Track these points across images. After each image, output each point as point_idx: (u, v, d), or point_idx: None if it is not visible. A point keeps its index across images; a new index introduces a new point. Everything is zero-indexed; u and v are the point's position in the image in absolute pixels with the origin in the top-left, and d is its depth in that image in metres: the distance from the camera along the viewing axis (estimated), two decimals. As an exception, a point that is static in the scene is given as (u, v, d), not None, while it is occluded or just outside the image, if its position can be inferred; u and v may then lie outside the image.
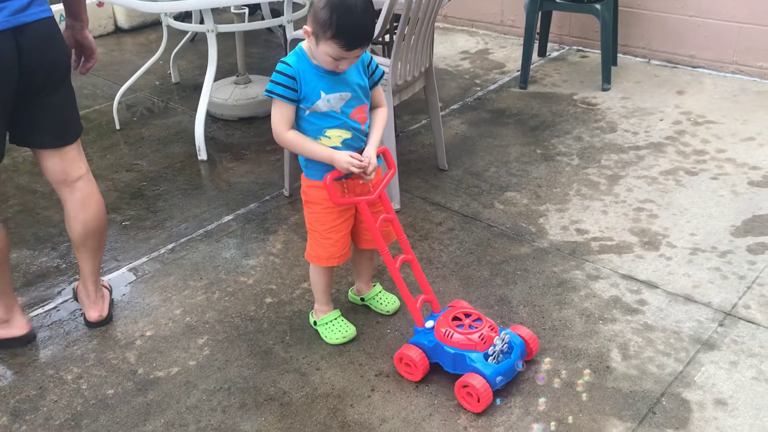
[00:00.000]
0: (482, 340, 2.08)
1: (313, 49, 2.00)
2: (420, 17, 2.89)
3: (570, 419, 2.03)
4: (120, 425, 2.10)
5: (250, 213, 3.15)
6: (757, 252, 2.68)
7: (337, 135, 2.09)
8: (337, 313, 2.42)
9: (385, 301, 2.49)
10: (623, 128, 3.71)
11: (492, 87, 4.34)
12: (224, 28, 3.68)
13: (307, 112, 2.06)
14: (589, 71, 4.45)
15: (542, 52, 4.76)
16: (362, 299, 2.52)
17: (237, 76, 4.14)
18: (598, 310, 2.45)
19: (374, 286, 2.52)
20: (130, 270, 2.80)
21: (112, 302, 2.57)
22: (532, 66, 4.52)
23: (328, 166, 2.08)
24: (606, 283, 2.58)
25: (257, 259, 2.82)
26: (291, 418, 2.10)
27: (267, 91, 2.04)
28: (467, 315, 2.17)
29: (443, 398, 2.14)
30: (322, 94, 2.03)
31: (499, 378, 2.06)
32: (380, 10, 2.77)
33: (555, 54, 4.81)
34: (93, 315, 2.45)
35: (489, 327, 2.12)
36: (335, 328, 2.37)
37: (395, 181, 3.04)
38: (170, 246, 2.94)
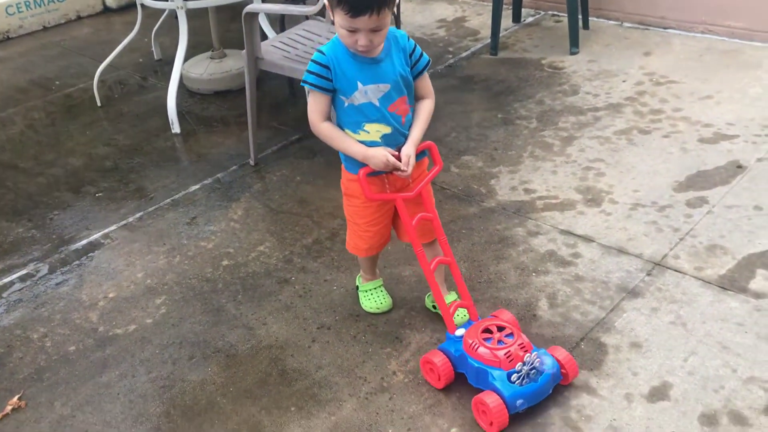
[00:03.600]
0: (508, 357, 1.95)
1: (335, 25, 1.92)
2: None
3: (492, 363, 2.17)
4: (78, 377, 2.28)
5: (216, 182, 3.29)
6: (696, 206, 2.77)
7: (375, 129, 2.01)
8: (378, 282, 2.42)
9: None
10: (585, 91, 3.78)
11: (463, 54, 4.42)
12: (193, 4, 3.80)
13: (346, 104, 1.99)
14: (561, 36, 4.50)
15: (517, 18, 4.82)
16: (434, 306, 2.37)
17: (212, 50, 4.27)
18: (533, 263, 2.57)
19: (450, 293, 2.36)
20: (99, 238, 2.97)
21: None
22: (506, 32, 4.58)
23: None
24: (545, 238, 2.69)
25: (218, 225, 2.97)
26: (235, 367, 2.26)
27: (303, 81, 1.99)
28: (500, 329, 2.04)
29: (377, 347, 2.28)
30: (359, 84, 1.96)
31: (519, 401, 1.93)
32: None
33: (530, 19, 4.86)
34: None
35: (519, 345, 1.98)
36: (373, 297, 2.40)
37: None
38: (138, 215, 3.10)
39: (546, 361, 1.99)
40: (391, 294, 2.45)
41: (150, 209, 3.13)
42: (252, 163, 3.38)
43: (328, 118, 2.04)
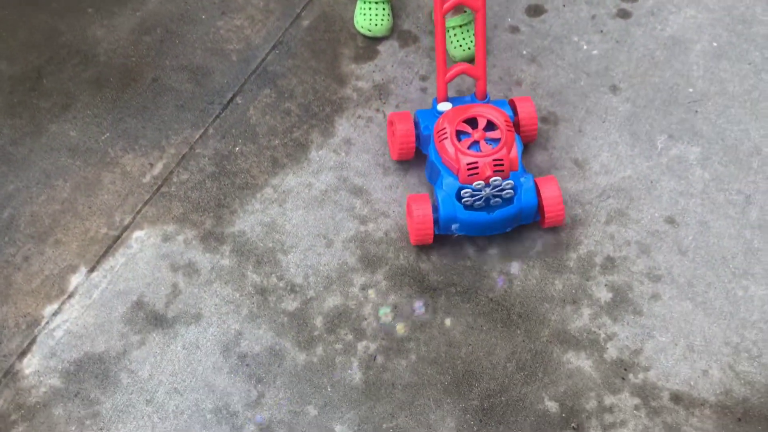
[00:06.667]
0: (470, 169, 1.49)
1: None
2: None
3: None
4: None
5: None
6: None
7: None
8: None
9: (458, 42, 1.90)
10: None
11: None
12: None
13: None
14: None
15: None
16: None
17: None
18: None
19: (465, 12, 1.93)
20: None
21: None
22: None
23: None
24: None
25: None
26: None
27: None
28: (492, 127, 1.54)
29: None
30: None
31: (455, 225, 1.54)
32: None
33: None
34: None
35: (495, 161, 1.49)
36: (369, 14, 1.94)
37: None
38: None
39: (523, 195, 1.53)
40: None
41: None
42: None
43: None
